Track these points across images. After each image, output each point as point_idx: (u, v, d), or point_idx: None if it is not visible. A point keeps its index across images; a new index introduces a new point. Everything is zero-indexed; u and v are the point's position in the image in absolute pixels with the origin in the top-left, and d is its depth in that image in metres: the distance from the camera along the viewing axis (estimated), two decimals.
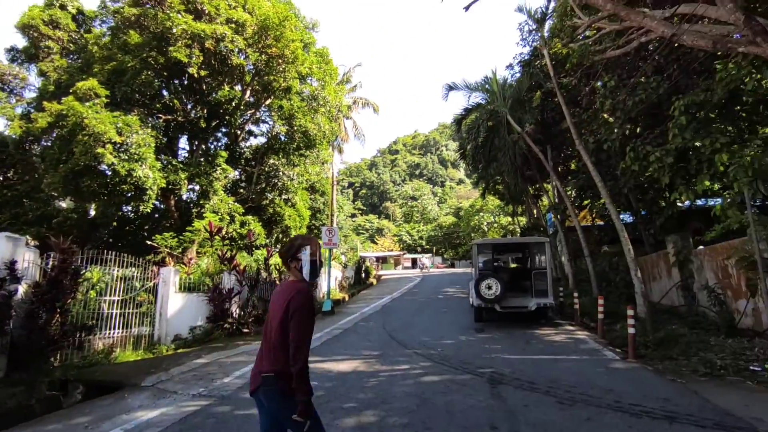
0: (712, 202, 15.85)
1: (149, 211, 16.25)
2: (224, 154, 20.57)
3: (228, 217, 18.59)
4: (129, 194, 14.50)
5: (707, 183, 10.30)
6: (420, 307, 14.60)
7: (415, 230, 70.87)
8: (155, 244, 13.37)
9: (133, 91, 16.02)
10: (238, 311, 10.84)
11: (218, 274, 11.39)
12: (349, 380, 5.85)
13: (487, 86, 15.38)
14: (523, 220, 32.04)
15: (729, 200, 9.88)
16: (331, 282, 21.04)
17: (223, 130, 23.57)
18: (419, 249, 66.42)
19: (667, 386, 5.28)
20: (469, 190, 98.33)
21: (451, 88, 15.89)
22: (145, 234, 19.06)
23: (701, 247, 11.84)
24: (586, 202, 17.47)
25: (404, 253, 61.33)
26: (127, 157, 13.71)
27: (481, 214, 49.78)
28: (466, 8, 9.82)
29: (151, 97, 17.94)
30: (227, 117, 21.93)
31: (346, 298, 20.76)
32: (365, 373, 6.19)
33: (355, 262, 31.49)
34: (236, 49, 19.14)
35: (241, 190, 24.04)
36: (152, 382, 6.14)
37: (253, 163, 24.01)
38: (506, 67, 16.26)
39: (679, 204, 14.04)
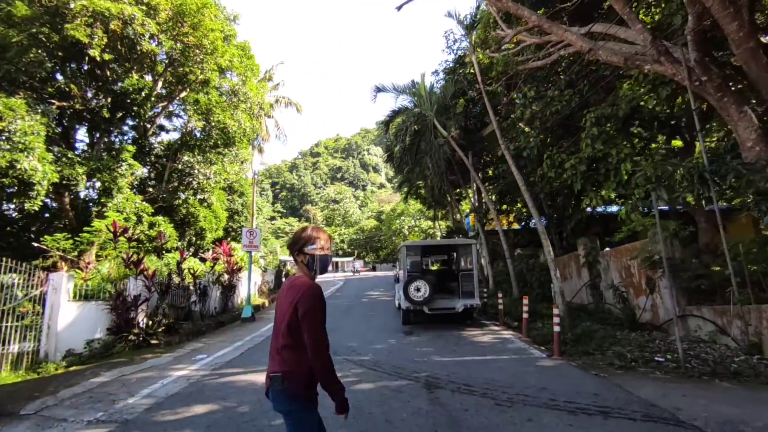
0: (616, 209, 17.40)
1: (37, 209, 14.23)
2: (131, 148, 18.70)
3: (135, 218, 16.90)
4: (11, 189, 12.54)
5: (612, 190, 11.17)
6: (345, 311, 14.24)
7: (336, 234, 70.29)
8: (44, 246, 11.67)
9: (19, 71, 13.94)
10: (145, 320, 9.74)
11: (123, 279, 10.18)
12: None
13: (414, 90, 15.55)
14: (443, 224, 32.95)
15: (631, 205, 10.79)
16: (251, 287, 20.02)
17: (131, 122, 21.44)
18: (341, 252, 65.98)
19: (593, 381, 5.47)
20: (390, 195, 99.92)
21: (379, 89, 15.85)
22: (32, 235, 16.67)
23: (607, 248, 12.84)
24: (504, 207, 18.34)
25: None
26: (9, 147, 11.83)
27: (403, 217, 50.64)
28: (399, 8, 9.77)
29: (42, 80, 15.77)
30: (135, 108, 19.99)
31: (267, 304, 19.82)
32: None
33: (275, 266, 30.35)
34: (147, 34, 17.52)
35: (151, 189, 22.06)
36: (35, 409, 5.15)
37: (165, 160, 22.15)
38: (432, 72, 16.71)
39: (588, 209, 15.17)
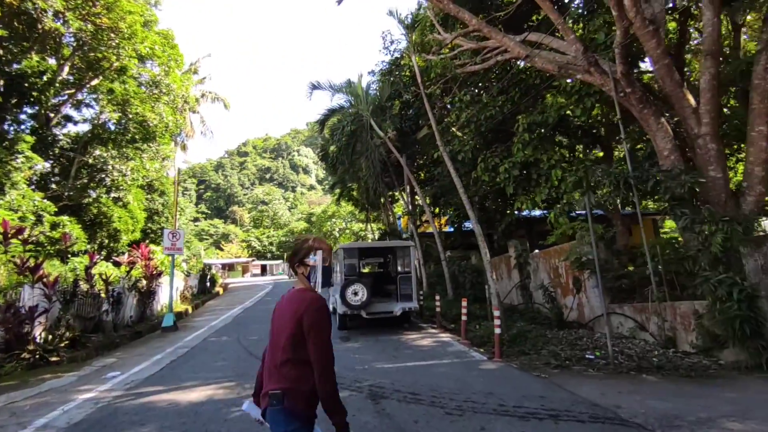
0: (539, 213, 18.26)
1: None
2: (29, 138, 16.60)
3: (33, 217, 15.00)
4: None
5: (544, 195, 11.64)
6: None
7: (265, 236, 67.97)
8: None
9: None
10: (44, 335, 8.51)
11: (15, 288, 8.84)
12: (205, 413, 4.80)
13: (351, 89, 15.25)
14: (375, 226, 32.92)
15: (560, 209, 11.29)
16: (173, 293, 18.53)
17: (29, 110, 19.08)
18: (269, 255, 63.90)
19: (537, 383, 5.50)
20: (320, 196, 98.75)
21: (315, 86, 15.35)
22: None
23: (537, 250, 13.39)
24: (436, 210, 18.60)
25: (253, 260, 58.22)
26: None
27: (334, 219, 50.05)
28: (339, 1, 9.45)
29: None
30: (35, 94, 17.85)
31: (190, 310, 18.45)
32: (224, 402, 5.17)
33: (199, 270, 28.52)
34: (51, 11, 15.70)
35: (55, 186, 19.79)
36: None
37: (72, 154, 19.96)
38: (369, 72, 16.61)
39: (518, 213, 15.76)
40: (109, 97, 20.42)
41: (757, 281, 6.24)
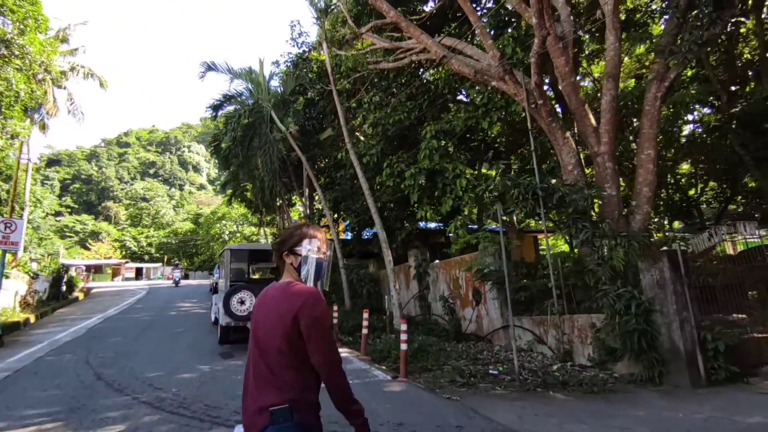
0: (434, 225, 18.36)
1: None
2: None
3: None
4: None
5: (448, 206, 11.44)
6: (146, 327, 11.54)
7: (143, 236, 61.09)
8: None
9: None
10: None
11: None
12: None
13: (252, 77, 13.79)
14: (269, 230, 31.09)
15: (461, 221, 11.16)
16: (6, 298, 15.09)
17: None
18: (147, 257, 57.49)
19: (450, 408, 4.88)
20: (211, 197, 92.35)
21: (210, 67, 13.54)
22: None
23: (437, 261, 13.18)
24: (336, 216, 17.76)
25: (126, 262, 51.77)
26: None
27: (224, 221, 46.56)
28: None
29: None
30: None
31: (33, 320, 15.21)
32: None
33: (52, 271, 24.15)
34: None
35: None
36: None
37: None
38: (273, 63, 15.16)
39: (420, 223, 15.55)
40: None
41: (653, 295, 6.38)
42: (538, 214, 8.40)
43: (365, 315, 8.16)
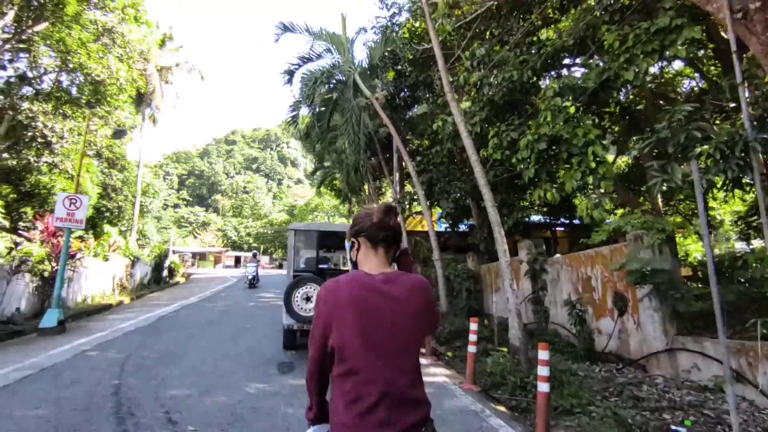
0: (536, 219, 15.34)
1: None
2: None
3: None
4: None
5: (576, 180, 8.67)
6: (215, 320, 10.36)
7: (242, 225, 64.25)
8: None
9: None
10: None
11: None
12: None
13: (334, 37, 12.02)
14: None
15: (596, 200, 8.37)
16: (102, 282, 15.19)
17: None
18: (246, 246, 60.23)
19: None
20: (307, 191, 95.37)
21: (287, 28, 11.93)
22: None
23: (558, 255, 10.42)
24: (432, 202, 15.55)
25: (227, 250, 54.53)
26: None
27: (316, 213, 46.77)
28: None
29: None
30: None
31: (125, 302, 15.18)
32: None
33: (156, 256, 25.03)
34: None
35: None
36: None
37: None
38: (358, 31, 13.44)
39: (536, 204, 12.83)
40: (47, 43, 17.04)
41: None
42: (740, 182, 5.45)
43: (473, 326, 5.83)
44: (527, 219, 15.66)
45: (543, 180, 9.35)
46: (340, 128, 13.15)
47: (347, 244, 1.58)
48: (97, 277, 15.02)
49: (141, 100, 30.66)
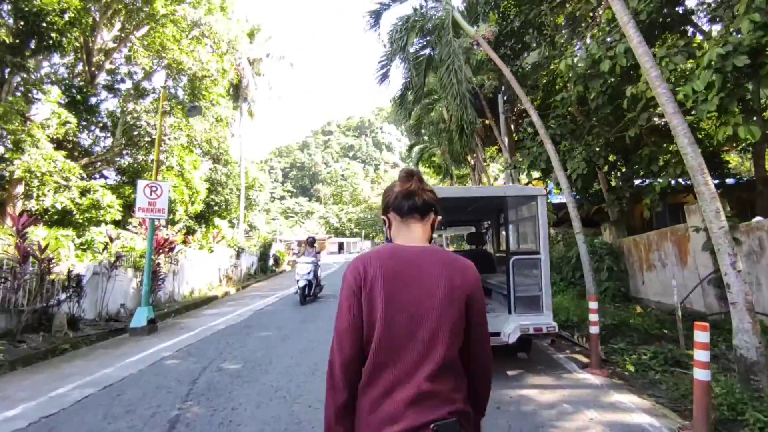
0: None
1: None
2: (50, 89, 14.07)
3: (54, 180, 12.53)
4: None
5: None
6: (313, 314, 9.22)
7: (343, 212, 65.24)
8: None
9: None
10: None
11: None
12: None
13: None
14: None
15: None
16: (208, 274, 15.14)
17: (60, 58, 16.62)
18: (348, 233, 61.08)
19: None
20: None
21: None
22: None
23: (758, 218, 7.48)
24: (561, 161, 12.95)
25: (330, 237, 55.62)
26: None
27: None
28: None
29: None
30: (54, 36, 15.03)
31: (231, 293, 15.02)
32: None
33: (260, 246, 25.39)
34: None
35: (98, 149, 17.50)
36: None
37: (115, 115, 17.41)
38: None
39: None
40: (144, 43, 17.38)
41: None
42: None
43: (704, 337, 3.58)
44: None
45: (732, 112, 6.60)
46: (438, 90, 11.20)
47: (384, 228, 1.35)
48: (203, 268, 14.99)
49: (237, 95, 31.38)
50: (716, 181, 12.36)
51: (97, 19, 16.76)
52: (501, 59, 11.40)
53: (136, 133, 16.82)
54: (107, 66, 18.48)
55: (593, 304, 4.69)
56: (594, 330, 4.64)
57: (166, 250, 11.23)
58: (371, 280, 1.19)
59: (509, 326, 4.43)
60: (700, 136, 12.42)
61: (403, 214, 1.31)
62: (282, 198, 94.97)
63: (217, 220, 25.04)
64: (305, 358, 5.54)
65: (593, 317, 4.64)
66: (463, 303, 1.20)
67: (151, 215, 7.91)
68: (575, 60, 8.64)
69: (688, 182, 10.81)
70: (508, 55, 12.71)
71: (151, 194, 7.75)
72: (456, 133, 11.72)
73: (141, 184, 7.79)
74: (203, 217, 23.74)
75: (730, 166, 13.90)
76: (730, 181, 12.25)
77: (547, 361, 5.21)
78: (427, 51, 11.42)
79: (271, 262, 26.32)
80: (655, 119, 9.31)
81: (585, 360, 5.20)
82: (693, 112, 7.47)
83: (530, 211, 4.82)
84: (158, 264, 10.70)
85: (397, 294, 1.17)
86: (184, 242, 17.12)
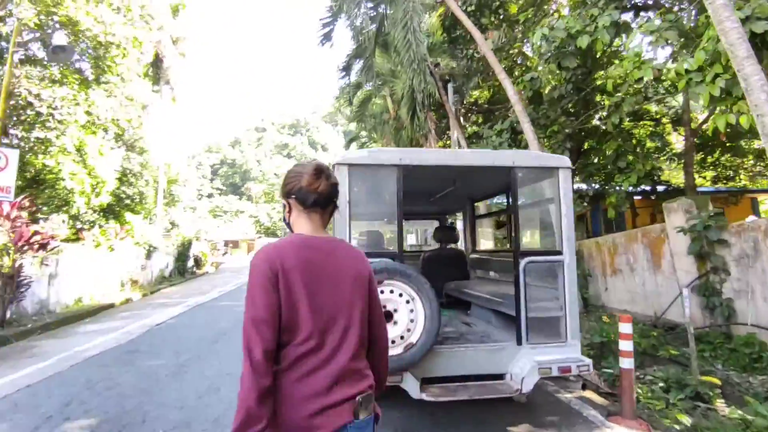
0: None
1: None
2: None
3: None
4: None
5: None
6: (226, 331, 7.21)
7: (275, 210, 62.10)
8: None
9: None
10: None
11: None
12: None
13: None
14: None
15: None
16: (107, 277, 12.24)
17: None
18: (280, 233, 58.05)
19: None
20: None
21: None
22: None
23: (752, 217, 6.63)
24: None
25: (260, 237, 52.39)
26: None
27: None
28: None
29: None
30: None
31: (134, 300, 12.45)
32: None
33: (179, 245, 22.44)
34: None
35: None
36: None
37: None
38: None
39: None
40: None
41: None
42: None
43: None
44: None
45: (736, 97, 5.65)
46: (386, 70, 9.65)
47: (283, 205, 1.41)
48: (98, 270, 12.31)
49: (158, 76, 28.18)
50: (649, 188, 11.94)
51: None
52: (453, 42, 10.11)
53: (12, 102, 13.56)
54: None
55: (625, 327, 3.28)
56: (627, 364, 3.23)
57: (36, 247, 8.65)
58: (288, 268, 1.21)
59: (521, 365, 2.89)
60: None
61: (306, 206, 1.33)
62: (210, 196, 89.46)
63: (128, 215, 21.59)
64: (205, 410, 3.68)
65: (625, 346, 3.24)
66: (366, 290, 1.34)
67: None
68: (550, 32, 7.45)
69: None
70: (463, 37, 11.51)
71: None
72: (408, 113, 10.17)
73: None
74: (112, 212, 20.35)
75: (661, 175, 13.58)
76: (660, 188, 11.75)
77: (554, 405, 3.72)
78: (382, 8, 9.83)
79: (191, 263, 23.43)
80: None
81: (603, 402, 3.80)
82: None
83: (543, 192, 3.36)
84: (20, 266, 8.13)
85: (316, 283, 1.24)
86: (77, 238, 14.18)
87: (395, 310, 2.64)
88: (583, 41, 7.45)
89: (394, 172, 2.87)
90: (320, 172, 1.33)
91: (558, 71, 8.43)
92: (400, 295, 2.62)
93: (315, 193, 1.31)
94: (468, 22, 7.38)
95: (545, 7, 10.83)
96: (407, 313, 2.62)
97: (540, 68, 8.44)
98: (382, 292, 2.62)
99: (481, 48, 7.32)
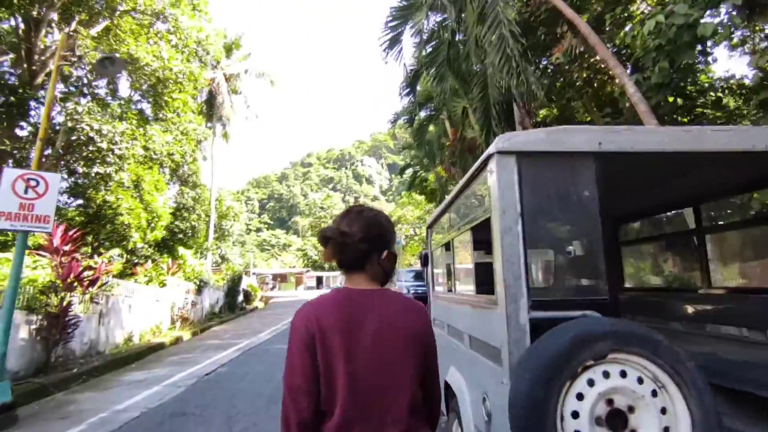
0: None
1: None
2: None
3: None
4: None
5: None
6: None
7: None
8: None
9: None
10: None
11: None
12: None
13: None
14: None
15: None
16: (158, 313, 11.67)
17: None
18: (327, 266, 57.63)
19: None
20: (383, 207, 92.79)
21: None
22: None
23: None
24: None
25: (308, 271, 51.92)
26: None
27: (399, 225, 42.53)
28: None
29: None
30: None
31: (184, 338, 11.70)
32: None
33: (229, 279, 21.98)
34: None
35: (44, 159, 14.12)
36: None
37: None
38: None
39: None
40: (93, 35, 14.60)
41: None
42: None
43: None
44: None
45: None
46: (437, 96, 8.64)
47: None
48: (149, 307, 11.73)
49: (211, 114, 28.78)
50: None
51: (42, 13, 13.95)
52: (527, 52, 9.00)
53: (74, 137, 13.56)
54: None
55: None
56: None
57: (86, 283, 8.05)
58: (326, 329, 1.09)
59: None
60: None
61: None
62: (258, 230, 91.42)
63: (181, 250, 21.42)
64: None
65: None
66: (420, 348, 1.15)
67: (23, 226, 4.76)
68: (666, 19, 6.19)
69: None
70: (540, 45, 10.42)
71: (26, 191, 4.70)
72: (482, 130, 8.93)
73: (10, 174, 4.72)
74: (166, 246, 20.24)
75: None
76: None
77: None
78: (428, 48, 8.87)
79: (240, 298, 22.90)
80: None
81: None
82: None
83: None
84: (68, 304, 7.48)
85: (356, 344, 1.09)
86: (131, 274, 13.79)
87: (630, 408, 1.43)
88: (707, 29, 6.17)
89: (591, 164, 1.71)
90: (348, 212, 1.24)
91: (669, 71, 7.10)
92: (640, 381, 1.42)
93: (338, 249, 1.16)
94: (570, 12, 6.25)
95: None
96: (656, 415, 1.41)
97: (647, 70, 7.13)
98: (605, 374, 1.42)
99: (587, 37, 6.15)
